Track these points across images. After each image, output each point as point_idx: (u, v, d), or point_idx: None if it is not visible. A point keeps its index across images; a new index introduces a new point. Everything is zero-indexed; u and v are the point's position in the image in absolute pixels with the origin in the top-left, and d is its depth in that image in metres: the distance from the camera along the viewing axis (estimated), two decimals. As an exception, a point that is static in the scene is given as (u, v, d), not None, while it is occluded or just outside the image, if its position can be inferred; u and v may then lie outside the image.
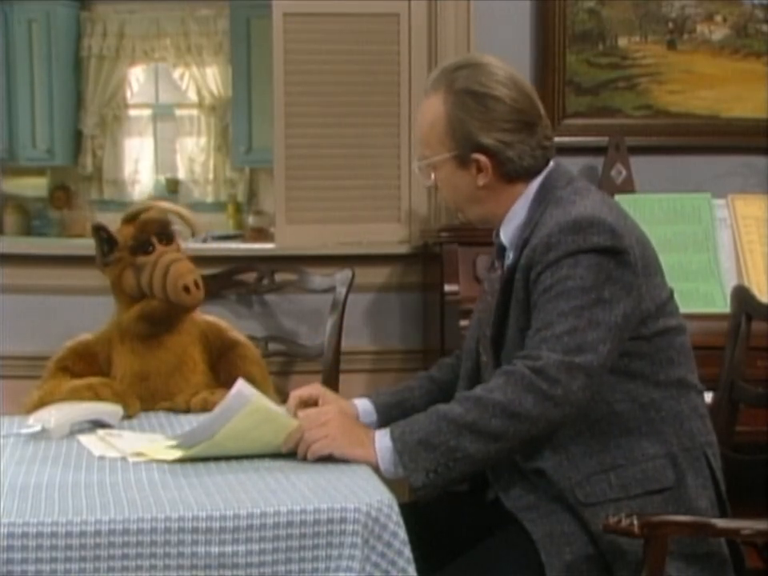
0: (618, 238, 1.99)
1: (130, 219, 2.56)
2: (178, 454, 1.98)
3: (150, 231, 2.53)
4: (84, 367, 2.55)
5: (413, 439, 1.92)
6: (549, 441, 1.99)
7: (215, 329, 2.64)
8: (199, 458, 1.95)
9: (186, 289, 2.48)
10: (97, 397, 2.39)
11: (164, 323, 2.53)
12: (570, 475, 1.99)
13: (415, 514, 1.95)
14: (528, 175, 2.11)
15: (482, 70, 2.11)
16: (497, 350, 2.10)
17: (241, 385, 1.99)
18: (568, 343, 1.93)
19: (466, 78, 2.09)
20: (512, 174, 2.10)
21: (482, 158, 2.09)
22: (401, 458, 1.92)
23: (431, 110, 2.12)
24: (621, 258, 1.98)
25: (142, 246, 2.52)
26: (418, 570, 1.73)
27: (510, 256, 2.12)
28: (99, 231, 2.53)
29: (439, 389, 2.29)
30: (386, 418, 2.19)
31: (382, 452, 1.94)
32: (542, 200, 2.09)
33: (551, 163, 2.14)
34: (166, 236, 2.55)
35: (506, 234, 2.14)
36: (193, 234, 2.81)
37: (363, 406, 2.23)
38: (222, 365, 2.59)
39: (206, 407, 2.39)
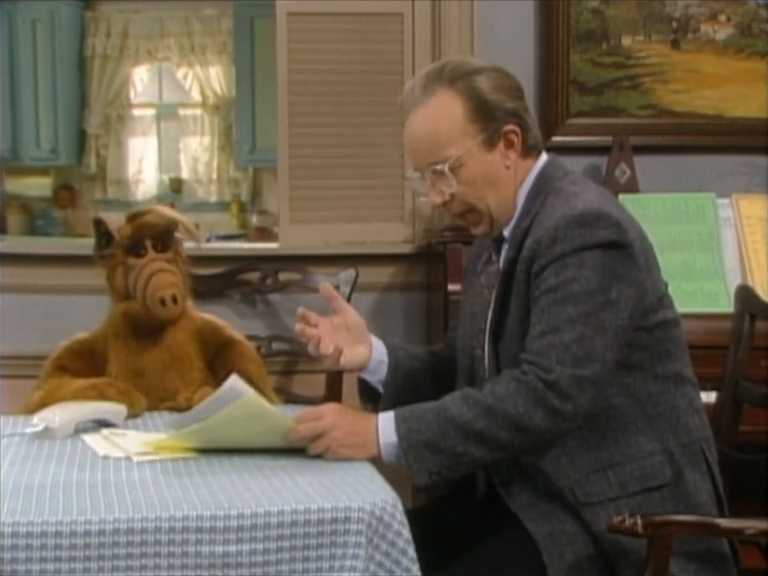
0: (623, 231, 1.99)
1: (132, 218, 2.57)
2: (173, 439, 2.01)
3: (145, 235, 2.53)
4: (81, 365, 2.55)
5: (419, 440, 1.93)
6: None
7: (211, 326, 2.64)
8: (201, 452, 1.97)
9: (162, 302, 2.48)
10: (102, 396, 2.39)
11: (146, 326, 2.53)
12: (569, 473, 2.00)
13: (416, 513, 1.95)
14: (537, 150, 2.13)
15: (458, 60, 2.14)
16: (495, 342, 2.09)
17: (234, 380, 1.98)
18: (576, 353, 1.93)
19: (454, 69, 2.09)
20: (531, 143, 2.11)
21: (513, 127, 2.08)
22: (405, 456, 1.93)
23: (439, 109, 2.07)
24: (625, 252, 1.98)
25: (134, 248, 2.52)
26: (421, 569, 1.73)
27: (506, 247, 2.11)
28: (98, 225, 2.55)
29: (439, 361, 2.31)
30: (394, 362, 2.22)
31: (385, 446, 1.95)
32: (539, 190, 2.08)
33: (546, 156, 2.14)
34: (162, 242, 2.55)
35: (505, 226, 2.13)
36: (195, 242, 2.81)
37: (378, 346, 2.24)
38: (219, 362, 2.59)
39: (207, 406, 2.40)
